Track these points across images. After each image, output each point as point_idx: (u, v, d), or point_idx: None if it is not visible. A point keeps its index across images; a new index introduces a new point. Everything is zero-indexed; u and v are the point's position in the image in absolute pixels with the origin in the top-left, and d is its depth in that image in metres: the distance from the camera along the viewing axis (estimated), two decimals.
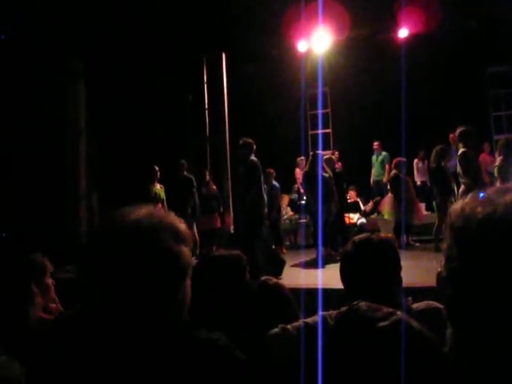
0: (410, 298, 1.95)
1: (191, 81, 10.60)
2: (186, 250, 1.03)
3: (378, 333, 0.88)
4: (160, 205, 8.18)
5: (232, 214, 9.46)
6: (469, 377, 0.73)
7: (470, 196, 0.81)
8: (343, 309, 1.56)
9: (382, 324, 0.89)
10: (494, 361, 0.72)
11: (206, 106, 10.57)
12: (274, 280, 2.23)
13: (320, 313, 1.70)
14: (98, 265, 0.99)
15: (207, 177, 9.06)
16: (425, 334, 0.85)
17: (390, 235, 2.08)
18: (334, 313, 1.89)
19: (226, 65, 9.93)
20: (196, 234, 8.64)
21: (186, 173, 8.63)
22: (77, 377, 1.00)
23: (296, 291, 2.80)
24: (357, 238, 1.97)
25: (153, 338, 0.98)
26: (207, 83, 10.53)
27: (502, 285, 0.71)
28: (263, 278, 2.21)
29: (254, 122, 10.54)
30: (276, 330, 1.67)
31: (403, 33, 9.65)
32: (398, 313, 0.92)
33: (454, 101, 10.22)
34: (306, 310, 2.11)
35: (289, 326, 1.68)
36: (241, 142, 6.76)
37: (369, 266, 1.85)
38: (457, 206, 0.82)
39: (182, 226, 1.06)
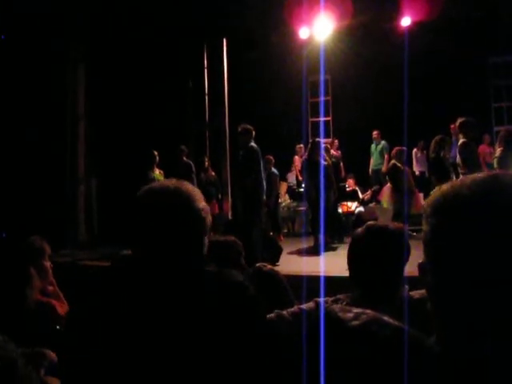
0: (406, 287, 1.97)
1: (192, 66, 10.54)
2: (206, 207, 1.37)
3: (350, 332, 0.89)
4: None
5: (230, 200, 9.48)
6: (454, 368, 0.73)
7: (444, 185, 0.82)
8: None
9: (353, 323, 0.90)
10: (476, 349, 0.72)
11: (206, 92, 10.53)
12: (269, 266, 2.24)
13: (321, 299, 1.72)
14: (151, 216, 1.30)
15: (206, 163, 9.07)
16: (399, 328, 0.86)
17: (402, 225, 2.08)
18: (329, 299, 1.91)
19: (227, 50, 9.87)
20: None
21: (185, 158, 8.63)
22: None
23: (292, 278, 2.81)
24: (371, 223, 1.97)
25: (191, 271, 1.29)
26: (208, 69, 10.48)
27: (472, 271, 0.72)
28: (258, 264, 2.22)
29: (254, 108, 10.51)
30: (271, 315, 1.68)
31: (406, 21, 9.58)
32: (368, 311, 0.92)
33: (455, 91, 10.19)
34: (301, 296, 2.13)
35: (284, 312, 1.69)
36: (240, 128, 6.75)
37: (381, 252, 1.85)
38: (430, 196, 0.83)
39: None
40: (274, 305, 1.79)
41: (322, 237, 7.04)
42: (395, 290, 1.85)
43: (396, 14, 9.55)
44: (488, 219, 0.72)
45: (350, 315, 0.92)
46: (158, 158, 8.26)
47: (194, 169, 8.58)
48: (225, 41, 9.85)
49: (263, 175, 6.84)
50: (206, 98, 10.52)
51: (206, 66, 10.47)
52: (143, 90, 9.21)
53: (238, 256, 1.85)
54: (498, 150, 6.52)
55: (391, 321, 0.88)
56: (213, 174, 9.14)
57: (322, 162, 7.38)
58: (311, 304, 1.68)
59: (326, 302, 1.84)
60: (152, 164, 8.19)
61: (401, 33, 9.46)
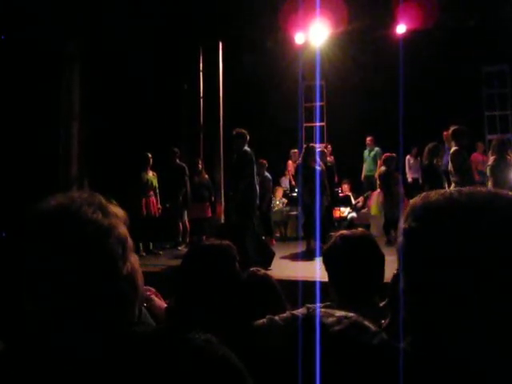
0: None
1: (187, 69, 10.54)
2: (118, 223, 0.90)
3: (331, 337, 0.90)
4: (152, 192, 8.18)
5: (223, 203, 9.47)
6: (431, 369, 0.75)
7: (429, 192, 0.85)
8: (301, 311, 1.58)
9: (335, 328, 0.91)
10: (451, 351, 0.74)
11: (201, 95, 10.53)
12: (263, 271, 2.25)
13: (317, 304, 1.73)
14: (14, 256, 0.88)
15: (200, 166, 9.07)
16: (377, 332, 0.87)
17: (365, 231, 2.14)
18: (322, 305, 1.92)
19: (223, 54, 9.88)
20: (187, 222, 8.67)
21: (178, 161, 8.63)
22: None
23: (284, 283, 2.81)
24: (344, 232, 2.02)
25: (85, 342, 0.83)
26: (203, 72, 10.48)
27: (427, 282, 0.76)
28: (252, 268, 2.22)
29: (249, 112, 10.52)
30: (263, 320, 1.69)
31: (401, 29, 9.64)
32: (351, 315, 0.94)
33: (448, 99, 10.26)
34: (293, 301, 2.13)
35: (276, 317, 1.70)
36: (234, 132, 6.77)
37: (354, 260, 1.90)
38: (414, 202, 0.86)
39: (112, 204, 0.95)
40: (267, 310, 1.79)
41: (318, 242, 7.03)
42: (374, 296, 1.90)
43: (391, 21, 9.61)
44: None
45: (333, 320, 0.93)
46: (151, 160, 8.25)
47: (187, 171, 8.58)
48: (220, 44, 9.86)
49: (256, 179, 6.85)
50: (201, 100, 10.52)
51: (201, 69, 10.47)
52: (138, 92, 9.20)
53: (232, 261, 1.85)
54: (491, 159, 6.57)
55: (371, 325, 0.89)
56: (206, 176, 9.15)
57: (318, 168, 7.40)
58: (303, 310, 1.68)
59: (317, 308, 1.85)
60: (145, 166, 8.18)
61: (396, 40, 9.52)
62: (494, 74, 11.46)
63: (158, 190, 8.36)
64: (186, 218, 8.65)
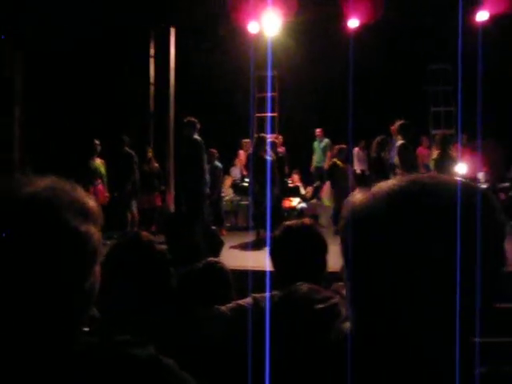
0: None
1: (137, 55, 10.30)
2: (94, 231, 0.81)
3: (315, 314, 0.90)
4: (99, 180, 7.98)
5: (173, 192, 9.37)
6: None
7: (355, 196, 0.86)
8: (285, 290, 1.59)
9: (319, 306, 0.91)
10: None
11: (152, 82, 10.33)
12: (222, 264, 2.24)
13: (267, 294, 1.73)
14: None
15: (149, 154, 8.91)
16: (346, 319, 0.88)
17: (308, 220, 2.16)
18: (263, 295, 1.92)
19: (175, 41, 9.71)
20: (135, 211, 8.52)
21: (127, 148, 8.44)
22: None
23: (233, 272, 2.81)
24: (288, 223, 2.04)
25: (44, 352, 0.76)
26: (154, 58, 10.27)
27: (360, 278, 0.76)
28: (211, 259, 2.21)
29: (200, 100, 10.42)
30: (209, 310, 1.68)
31: (353, 23, 9.76)
32: (336, 297, 0.94)
33: (396, 94, 10.53)
34: (239, 291, 2.14)
35: (223, 307, 1.69)
36: (185, 120, 6.71)
37: (298, 250, 1.92)
38: (344, 208, 0.87)
39: (91, 202, 0.85)
40: (218, 301, 1.79)
41: (268, 232, 7.07)
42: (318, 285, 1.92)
43: (343, 14, 9.71)
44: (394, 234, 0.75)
45: (318, 296, 0.93)
46: (99, 147, 8.04)
47: (136, 159, 8.40)
48: (172, 30, 9.68)
49: (206, 168, 6.81)
50: (151, 87, 10.33)
51: (152, 54, 10.26)
52: (86, 78, 8.91)
53: (151, 251, 1.82)
54: (436, 153, 6.81)
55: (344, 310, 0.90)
56: (156, 165, 9.00)
57: (268, 158, 7.43)
58: (249, 300, 1.68)
59: (261, 298, 1.85)
60: (93, 153, 7.96)
61: (348, 33, 9.64)
62: (438, 72, 11.82)
63: (105, 179, 8.16)
64: (134, 207, 8.49)
